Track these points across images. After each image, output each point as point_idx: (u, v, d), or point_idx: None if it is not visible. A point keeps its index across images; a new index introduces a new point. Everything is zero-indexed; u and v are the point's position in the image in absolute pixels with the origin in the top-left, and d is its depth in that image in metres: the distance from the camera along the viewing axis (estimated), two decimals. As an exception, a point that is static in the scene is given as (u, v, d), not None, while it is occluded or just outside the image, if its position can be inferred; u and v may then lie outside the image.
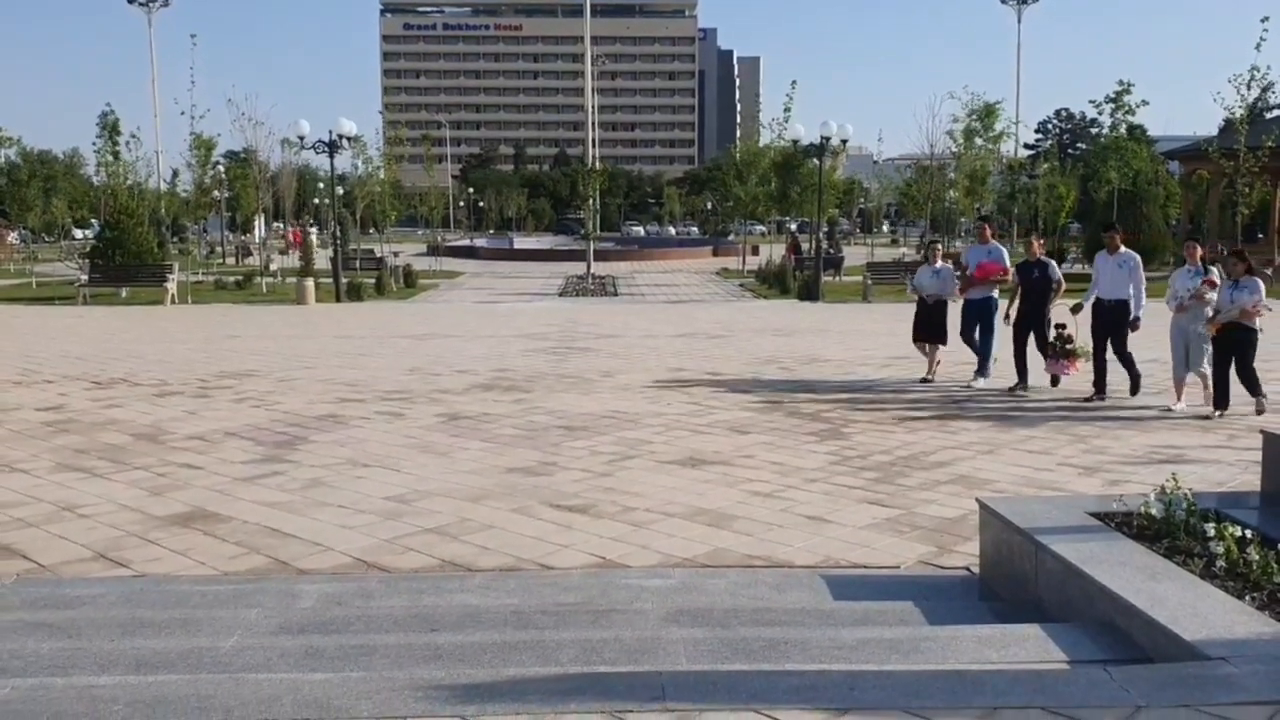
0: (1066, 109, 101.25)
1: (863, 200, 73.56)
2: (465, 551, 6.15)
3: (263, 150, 37.84)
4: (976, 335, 12.38)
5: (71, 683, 3.71)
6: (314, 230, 33.73)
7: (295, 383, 12.86)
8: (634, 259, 53.03)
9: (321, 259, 35.51)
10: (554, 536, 6.42)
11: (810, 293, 28.46)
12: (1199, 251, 10.52)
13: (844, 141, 31.77)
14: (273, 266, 35.47)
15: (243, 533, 6.55)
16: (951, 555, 6.10)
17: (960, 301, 12.64)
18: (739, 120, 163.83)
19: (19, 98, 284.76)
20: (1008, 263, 12.37)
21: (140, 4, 47.96)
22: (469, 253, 57.47)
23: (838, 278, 35.23)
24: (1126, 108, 33.98)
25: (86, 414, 10.66)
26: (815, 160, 31.76)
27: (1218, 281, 10.15)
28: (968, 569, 5.82)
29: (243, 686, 3.55)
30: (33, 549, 6.24)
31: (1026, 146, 78.49)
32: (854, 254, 46.75)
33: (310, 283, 27.90)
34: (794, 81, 41.57)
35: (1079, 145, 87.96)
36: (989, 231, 12.95)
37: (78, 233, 69.27)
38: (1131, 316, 10.98)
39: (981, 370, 12.30)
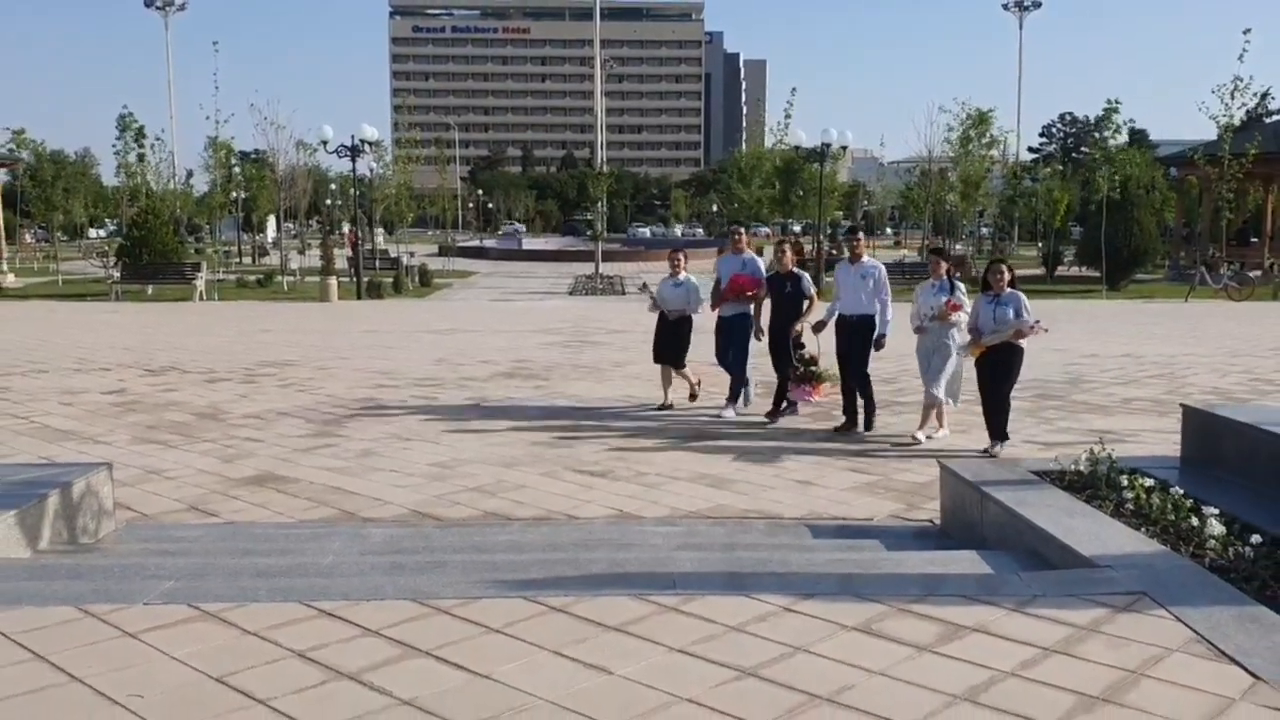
0: (1070, 113, 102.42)
1: (866, 202, 74.55)
2: (504, 505, 7.23)
3: (280, 153, 38.95)
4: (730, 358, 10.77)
5: (213, 583, 4.77)
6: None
7: (333, 371, 13.95)
8: (641, 259, 54.07)
9: (338, 259, 36.60)
10: (578, 494, 7.51)
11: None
12: (943, 266, 9.47)
13: (844, 147, 32.79)
14: (292, 265, 36.60)
15: (310, 491, 7.63)
16: (919, 511, 7.17)
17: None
18: (744, 123, 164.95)
19: (30, 96, 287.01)
20: (763, 276, 10.58)
21: (157, 8, 49.21)
22: (479, 253, 58.70)
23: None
24: (1115, 126, 35.17)
25: (148, 396, 11.75)
26: (816, 165, 32.76)
27: (963, 303, 9.14)
28: (930, 521, 6.90)
29: (350, 580, 4.62)
30: (132, 502, 7.31)
31: (1031, 150, 79.52)
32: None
33: (334, 280, 29.05)
34: (794, 89, 42.78)
35: (1082, 149, 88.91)
36: (744, 239, 10.96)
37: (93, 232, 70.55)
38: (876, 334, 9.77)
39: (733, 396, 10.71)
